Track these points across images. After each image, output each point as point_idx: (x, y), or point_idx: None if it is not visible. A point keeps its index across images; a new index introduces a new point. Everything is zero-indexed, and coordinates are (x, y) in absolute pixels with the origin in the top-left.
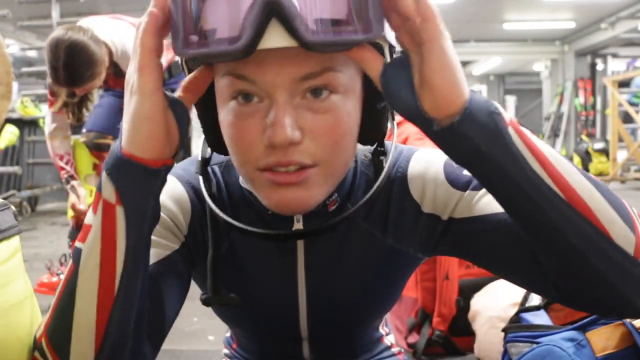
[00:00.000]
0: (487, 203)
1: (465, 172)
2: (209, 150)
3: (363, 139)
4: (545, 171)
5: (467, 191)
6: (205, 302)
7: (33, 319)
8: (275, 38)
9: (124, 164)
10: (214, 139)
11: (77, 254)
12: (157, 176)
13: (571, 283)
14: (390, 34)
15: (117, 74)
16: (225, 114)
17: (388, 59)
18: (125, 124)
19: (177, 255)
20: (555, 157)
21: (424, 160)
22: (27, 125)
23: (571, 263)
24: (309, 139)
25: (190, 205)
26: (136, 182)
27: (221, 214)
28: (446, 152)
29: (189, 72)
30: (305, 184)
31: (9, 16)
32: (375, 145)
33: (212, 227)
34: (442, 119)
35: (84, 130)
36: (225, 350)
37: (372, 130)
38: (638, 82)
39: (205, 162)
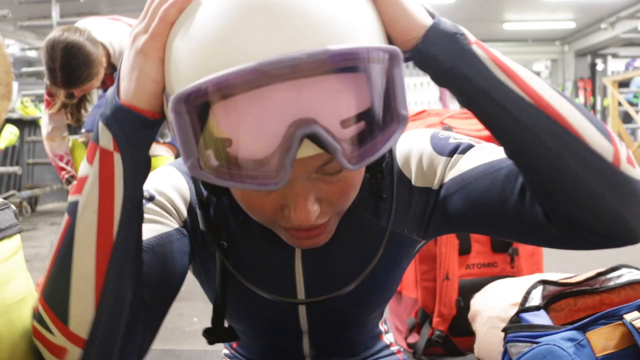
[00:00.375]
0: (471, 158)
1: (452, 140)
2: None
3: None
4: (513, 81)
5: (455, 155)
6: (206, 334)
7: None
8: (309, 151)
9: (123, 113)
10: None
11: (72, 207)
12: (152, 127)
13: (559, 202)
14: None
15: (114, 74)
16: (238, 192)
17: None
18: (125, 78)
19: (177, 233)
20: (526, 73)
21: (410, 137)
22: (27, 125)
23: (554, 174)
24: (327, 202)
25: (189, 195)
26: (134, 130)
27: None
28: (425, 71)
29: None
30: (321, 232)
31: (9, 16)
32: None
33: (208, 228)
34: (409, 46)
35: (82, 131)
36: (225, 351)
37: (374, 165)
38: (637, 82)
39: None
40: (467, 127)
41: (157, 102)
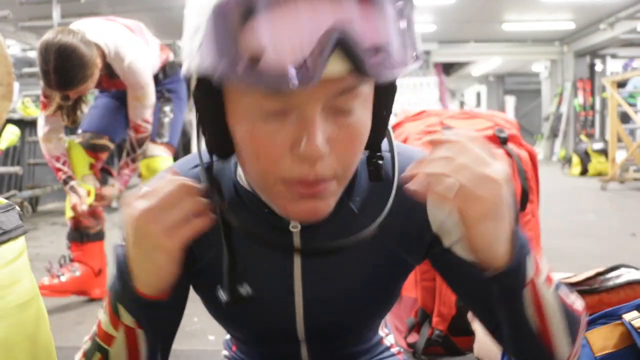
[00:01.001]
0: None
1: None
2: (206, 156)
3: (368, 143)
4: (537, 315)
5: None
6: (228, 305)
7: (39, 318)
8: (337, 67)
9: (141, 301)
10: (216, 143)
11: (104, 352)
12: (165, 304)
13: (512, 348)
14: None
15: (110, 75)
16: (248, 130)
17: None
18: (140, 268)
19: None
20: (548, 303)
21: None
22: (28, 125)
23: (520, 345)
24: (333, 152)
25: None
26: (152, 313)
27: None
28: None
29: (194, 87)
30: (323, 195)
31: (10, 17)
32: (372, 154)
33: (222, 231)
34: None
35: (79, 131)
36: (225, 352)
37: (375, 135)
38: (635, 82)
39: (209, 169)
40: (467, 127)
41: (169, 287)
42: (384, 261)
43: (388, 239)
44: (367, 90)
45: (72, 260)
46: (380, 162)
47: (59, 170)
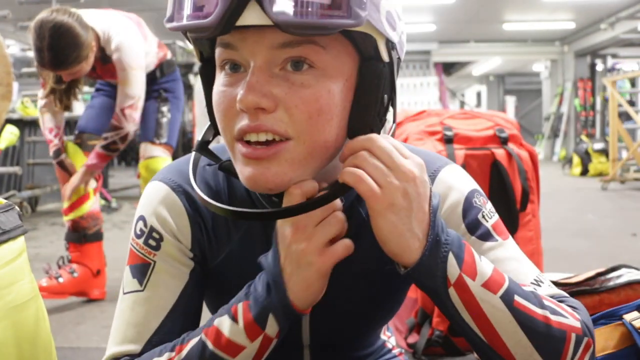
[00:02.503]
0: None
1: (480, 217)
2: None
3: (350, 132)
4: (476, 322)
5: (473, 237)
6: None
7: (39, 318)
8: (252, 16)
9: (292, 314)
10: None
11: None
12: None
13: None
14: (387, 29)
15: (103, 59)
16: (216, 85)
17: (385, 55)
18: (293, 282)
19: (192, 278)
20: (492, 310)
21: (451, 180)
22: (28, 125)
23: (482, 356)
24: (283, 109)
25: (186, 215)
26: (292, 323)
27: (204, 197)
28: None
29: (199, 57)
30: (277, 158)
31: (10, 17)
32: None
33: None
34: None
35: (76, 131)
36: None
37: (358, 122)
38: (620, 83)
39: (206, 143)
40: (467, 127)
41: (316, 301)
42: (388, 268)
43: None
44: (328, 58)
45: (70, 261)
46: None
47: (50, 141)
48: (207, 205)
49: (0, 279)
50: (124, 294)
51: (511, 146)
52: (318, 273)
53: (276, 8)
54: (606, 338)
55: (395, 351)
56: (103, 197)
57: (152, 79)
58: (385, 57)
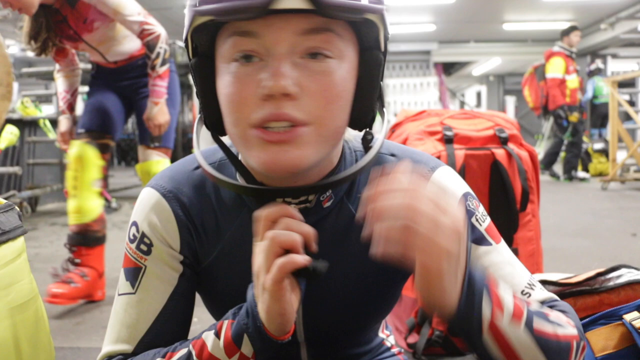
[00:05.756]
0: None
1: (473, 220)
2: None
3: (353, 119)
4: (501, 352)
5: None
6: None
7: (38, 318)
8: (293, 1)
9: (265, 338)
10: (212, 116)
11: None
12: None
13: None
14: (387, 20)
15: (70, 2)
16: (225, 76)
17: (383, 45)
18: (264, 312)
19: (181, 282)
20: (517, 341)
21: (445, 182)
22: (28, 125)
23: None
24: (304, 96)
25: (175, 221)
26: (271, 349)
27: (216, 174)
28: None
29: (192, 52)
30: (296, 142)
31: (9, 17)
32: (364, 133)
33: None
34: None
35: (79, 130)
36: None
37: (362, 108)
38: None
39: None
40: (467, 127)
41: (289, 327)
42: (382, 263)
43: None
44: (342, 46)
45: (79, 265)
46: (370, 137)
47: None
48: (219, 183)
49: (0, 279)
50: (119, 295)
51: (511, 146)
52: (271, 297)
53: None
54: (606, 338)
55: (394, 350)
56: (103, 198)
57: (145, 71)
58: (383, 46)
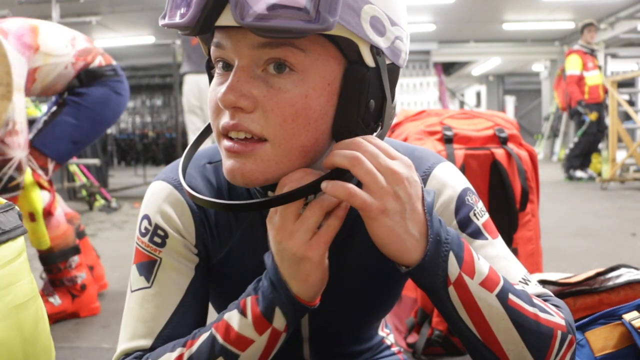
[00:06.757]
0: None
1: (471, 214)
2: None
3: (334, 134)
4: (472, 320)
5: (464, 234)
6: None
7: (38, 318)
8: (228, 17)
9: (298, 307)
10: None
11: (231, 357)
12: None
13: (470, 356)
14: (371, 34)
15: None
16: (213, 80)
17: (369, 60)
18: (292, 278)
19: (198, 273)
20: (488, 308)
21: (445, 178)
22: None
23: (472, 353)
24: (260, 111)
25: (190, 213)
26: (301, 316)
27: (193, 193)
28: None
29: (207, 52)
30: (253, 157)
31: (9, 16)
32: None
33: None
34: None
35: (31, 135)
36: None
37: (341, 126)
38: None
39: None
40: (467, 127)
41: (320, 294)
42: (383, 262)
43: None
44: (307, 62)
45: (76, 267)
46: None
47: None
48: (194, 199)
49: (0, 279)
50: (132, 291)
51: (511, 146)
52: (312, 265)
53: (245, 11)
54: (606, 338)
55: (394, 349)
56: (103, 197)
57: (68, 88)
58: (369, 62)
